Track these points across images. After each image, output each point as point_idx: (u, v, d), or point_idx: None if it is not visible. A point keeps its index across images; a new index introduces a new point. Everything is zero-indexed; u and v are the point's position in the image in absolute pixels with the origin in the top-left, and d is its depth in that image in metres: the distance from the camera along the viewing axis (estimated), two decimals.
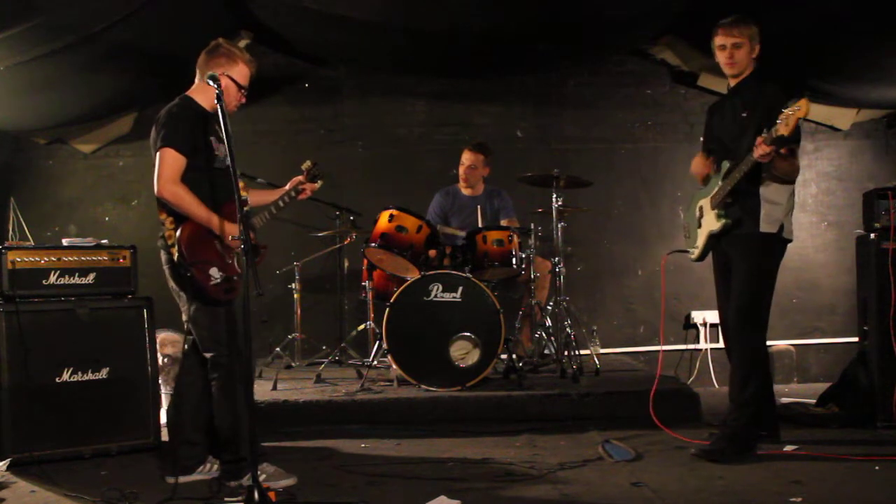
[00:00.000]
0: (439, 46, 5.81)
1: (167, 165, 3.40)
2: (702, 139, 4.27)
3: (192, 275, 3.38)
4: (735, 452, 3.77)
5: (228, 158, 3.51)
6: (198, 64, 3.61)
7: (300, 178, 3.86)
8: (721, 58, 3.94)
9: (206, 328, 3.49)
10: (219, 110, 3.25)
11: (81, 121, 6.24)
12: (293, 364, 5.80)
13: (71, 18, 4.50)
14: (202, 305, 3.46)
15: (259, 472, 3.30)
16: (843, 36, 5.10)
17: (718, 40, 3.92)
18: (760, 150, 3.57)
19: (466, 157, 5.89)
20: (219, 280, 3.41)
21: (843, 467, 3.64)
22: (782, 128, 3.45)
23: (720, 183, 3.90)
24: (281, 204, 3.77)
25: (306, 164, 3.88)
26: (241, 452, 3.43)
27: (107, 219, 6.52)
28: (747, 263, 3.87)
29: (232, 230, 3.40)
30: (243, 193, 3.63)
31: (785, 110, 3.44)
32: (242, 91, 3.62)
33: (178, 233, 3.41)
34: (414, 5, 5.11)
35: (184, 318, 3.52)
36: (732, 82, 3.98)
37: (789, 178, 3.84)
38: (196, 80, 3.62)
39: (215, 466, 3.62)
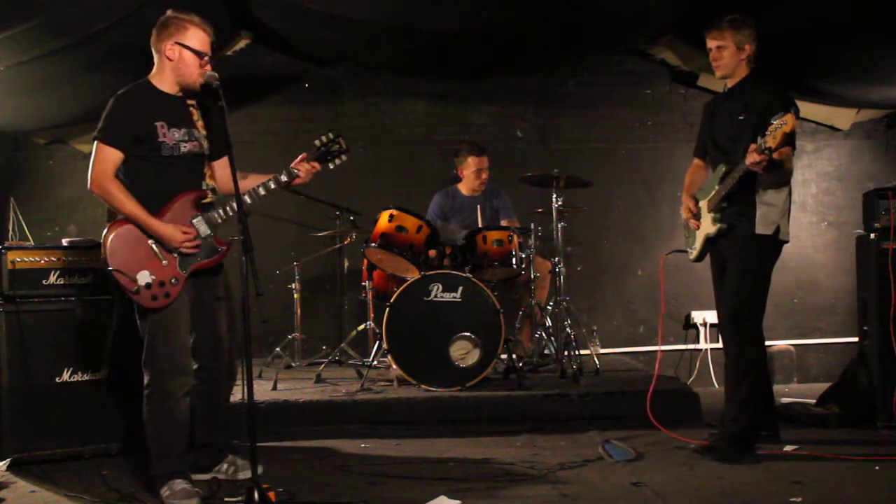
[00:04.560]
0: (439, 46, 5.81)
1: (98, 160, 3.24)
2: (696, 141, 4.26)
3: (114, 280, 3.21)
4: (735, 452, 3.77)
5: (187, 146, 3.34)
6: (151, 43, 3.35)
7: (303, 155, 3.52)
8: (711, 59, 3.98)
9: (143, 332, 3.33)
10: (220, 110, 3.22)
11: (81, 121, 6.22)
12: (293, 364, 5.79)
13: (71, 18, 4.50)
14: (139, 311, 3.32)
15: (165, 489, 3.28)
16: (843, 36, 5.10)
17: (707, 43, 3.97)
18: (752, 157, 3.58)
19: (476, 162, 5.83)
20: (141, 287, 3.21)
21: (843, 467, 3.64)
22: (770, 140, 3.48)
23: (717, 186, 3.90)
24: (262, 191, 3.42)
25: (320, 139, 3.52)
26: (155, 470, 3.35)
27: (107, 219, 6.52)
28: (742, 265, 3.87)
29: (168, 231, 3.25)
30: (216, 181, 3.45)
31: (773, 121, 3.47)
32: (202, 57, 3.32)
33: (103, 233, 3.27)
34: (414, 5, 5.11)
35: None
36: (729, 84, 3.99)
37: (784, 180, 3.85)
38: (155, 62, 3.38)
39: (233, 468, 3.60)
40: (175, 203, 3.33)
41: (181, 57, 3.31)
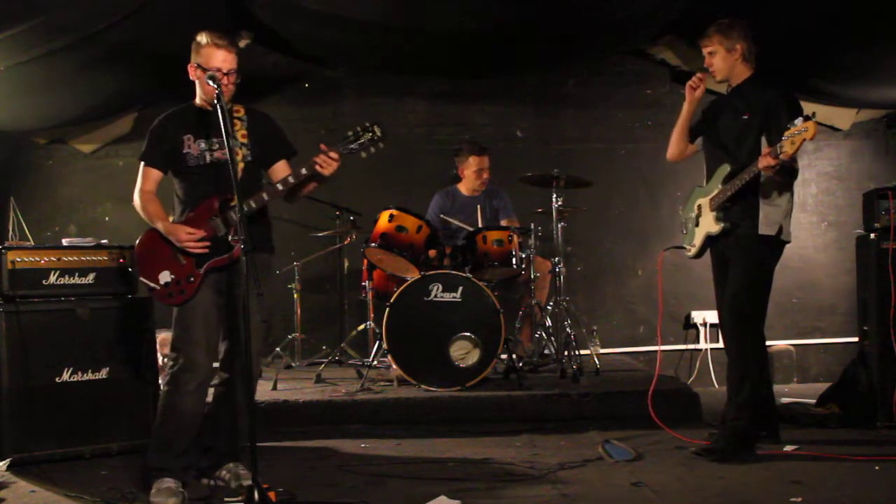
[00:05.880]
0: (439, 46, 5.81)
1: (140, 176, 3.53)
2: (693, 126, 4.23)
3: (143, 283, 3.48)
4: (735, 452, 3.77)
5: (209, 154, 3.47)
6: None
7: (322, 146, 3.38)
8: (706, 66, 4.03)
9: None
10: (219, 110, 3.23)
11: (81, 121, 6.24)
12: (293, 364, 5.80)
13: (71, 18, 4.50)
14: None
15: (154, 486, 3.33)
16: (843, 36, 5.10)
17: (702, 51, 4.01)
18: (766, 161, 3.58)
19: (477, 162, 5.83)
20: (160, 285, 3.42)
21: (843, 467, 3.64)
22: (788, 146, 3.47)
23: (720, 186, 3.90)
24: (280, 187, 3.42)
25: (353, 129, 3.39)
26: (149, 460, 3.43)
27: (107, 219, 6.52)
28: (744, 265, 3.88)
29: (174, 231, 3.39)
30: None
31: (792, 128, 3.45)
32: (214, 73, 3.36)
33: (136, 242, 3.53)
34: (414, 5, 5.11)
35: None
36: (733, 83, 4.00)
37: (789, 181, 3.85)
38: None
39: (233, 479, 3.59)
40: (200, 207, 3.46)
41: (199, 76, 3.46)
